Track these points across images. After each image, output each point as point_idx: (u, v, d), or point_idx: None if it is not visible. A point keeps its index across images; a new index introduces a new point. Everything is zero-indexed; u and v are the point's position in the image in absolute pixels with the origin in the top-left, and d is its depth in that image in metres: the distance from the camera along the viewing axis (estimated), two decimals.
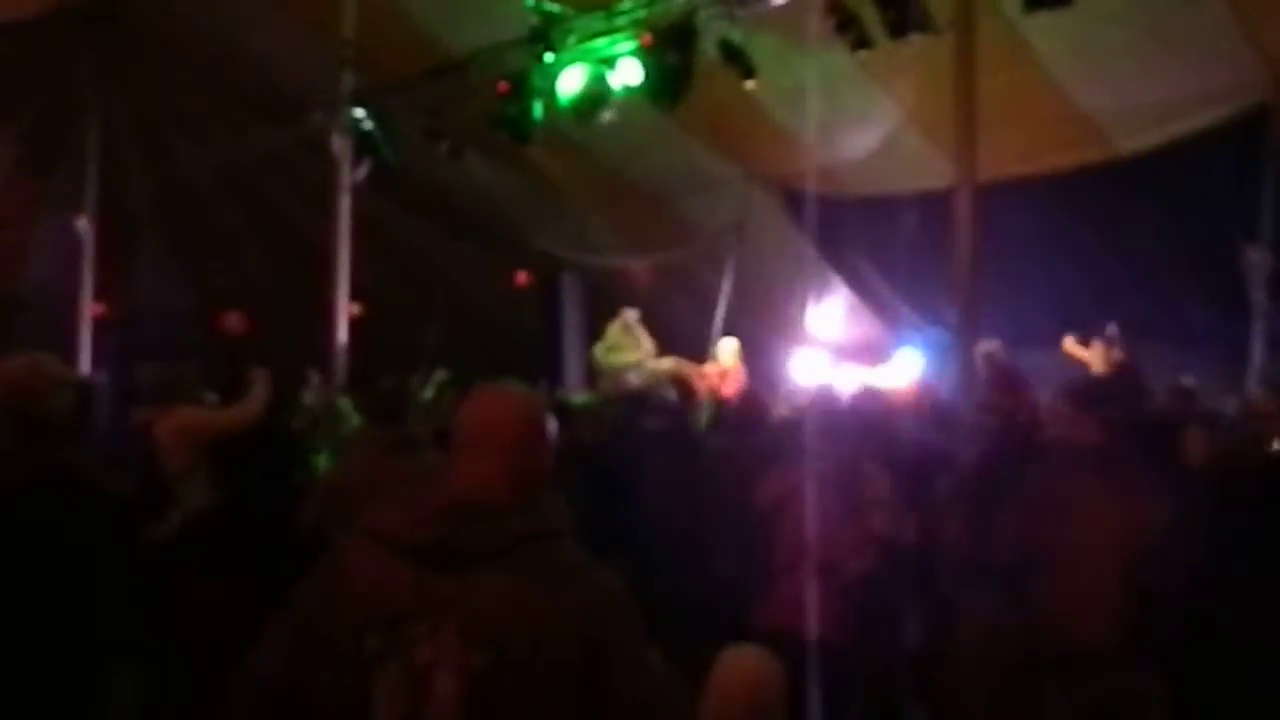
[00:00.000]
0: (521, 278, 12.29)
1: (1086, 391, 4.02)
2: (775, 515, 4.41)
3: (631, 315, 9.94)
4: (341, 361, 9.18)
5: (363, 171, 9.42)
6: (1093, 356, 8.02)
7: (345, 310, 9.32)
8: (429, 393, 8.00)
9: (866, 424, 4.94)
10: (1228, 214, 7.97)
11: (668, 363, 9.38)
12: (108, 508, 3.63)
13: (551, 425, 2.14)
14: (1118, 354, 7.74)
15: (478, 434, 2.06)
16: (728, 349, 9.36)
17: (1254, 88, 7.73)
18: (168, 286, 11.97)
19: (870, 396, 6.00)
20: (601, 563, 2.06)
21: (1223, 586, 3.32)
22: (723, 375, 8.97)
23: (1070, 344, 8.26)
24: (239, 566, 4.63)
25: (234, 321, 11.32)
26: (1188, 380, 7.19)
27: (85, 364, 10.92)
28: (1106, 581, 3.28)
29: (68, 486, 3.38)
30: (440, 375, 8.49)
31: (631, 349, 9.61)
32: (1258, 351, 8.02)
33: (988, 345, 6.75)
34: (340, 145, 9.29)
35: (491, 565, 1.93)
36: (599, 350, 10.04)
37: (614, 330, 9.92)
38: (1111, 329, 7.94)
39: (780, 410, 6.71)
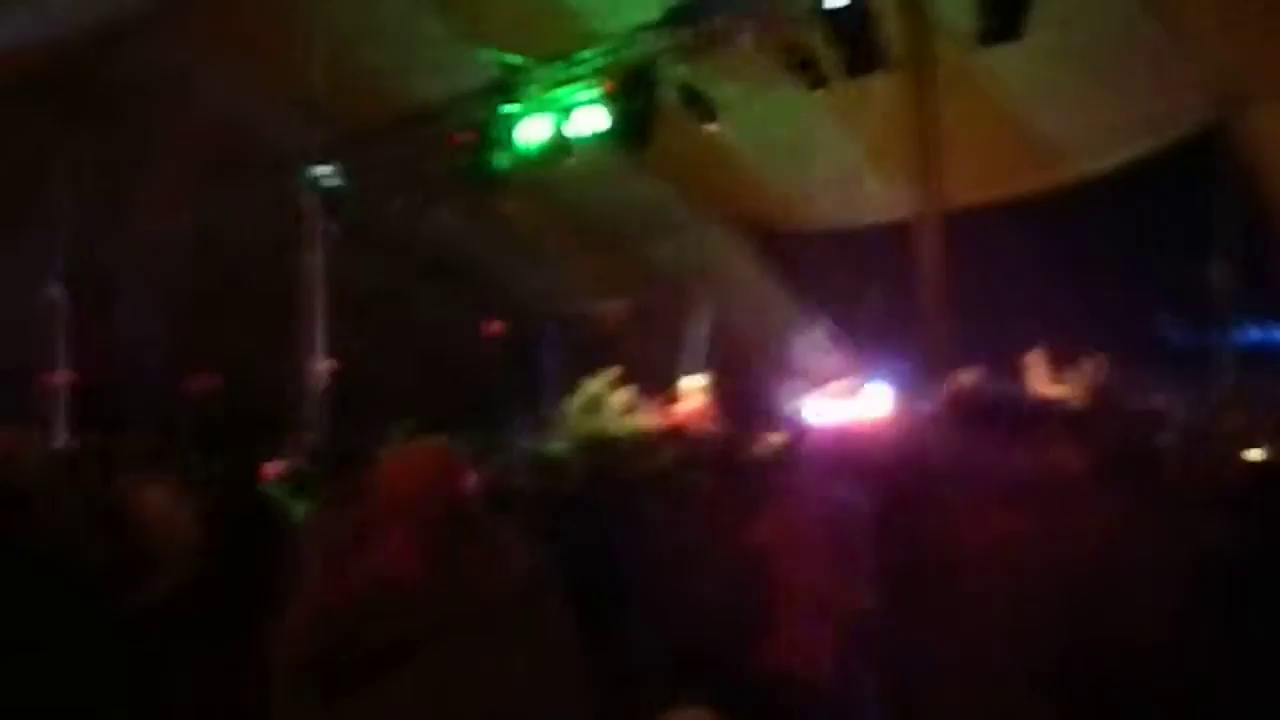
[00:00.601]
0: (496, 327, 12.30)
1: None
2: (776, 556, 4.37)
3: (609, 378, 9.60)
4: (316, 418, 9.14)
5: (333, 227, 9.44)
6: (1070, 385, 7.97)
7: (318, 366, 9.29)
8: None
9: (857, 460, 4.93)
10: (1188, 232, 8.09)
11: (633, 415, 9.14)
12: (79, 581, 3.59)
13: (469, 481, 1.99)
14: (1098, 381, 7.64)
15: (383, 504, 1.90)
16: (694, 385, 9.24)
17: (1205, 107, 7.88)
18: (142, 350, 11.90)
19: (855, 433, 6.01)
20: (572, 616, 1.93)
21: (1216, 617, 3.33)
22: (692, 414, 8.91)
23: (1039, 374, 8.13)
24: (217, 639, 4.57)
25: (208, 384, 11.26)
26: (1158, 400, 7.24)
27: (60, 432, 10.82)
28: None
29: (37, 561, 3.35)
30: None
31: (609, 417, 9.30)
32: (1225, 367, 8.10)
33: (966, 376, 6.76)
34: (309, 201, 9.31)
35: (401, 670, 1.68)
36: (574, 409, 9.74)
37: (591, 392, 9.57)
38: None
39: (758, 447, 6.70)
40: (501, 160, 8.59)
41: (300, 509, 6.79)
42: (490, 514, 2.11)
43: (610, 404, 9.25)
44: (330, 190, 9.32)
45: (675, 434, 7.18)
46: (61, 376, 11.13)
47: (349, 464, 4.98)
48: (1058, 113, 8.16)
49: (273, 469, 7.60)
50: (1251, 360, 8.26)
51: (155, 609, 4.94)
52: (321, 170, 9.27)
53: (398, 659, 1.67)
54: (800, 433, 6.27)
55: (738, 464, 5.98)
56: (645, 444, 7.59)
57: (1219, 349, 8.26)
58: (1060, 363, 7.80)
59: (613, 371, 9.45)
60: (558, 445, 8.83)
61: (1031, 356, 6.78)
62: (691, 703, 2.72)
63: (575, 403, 9.36)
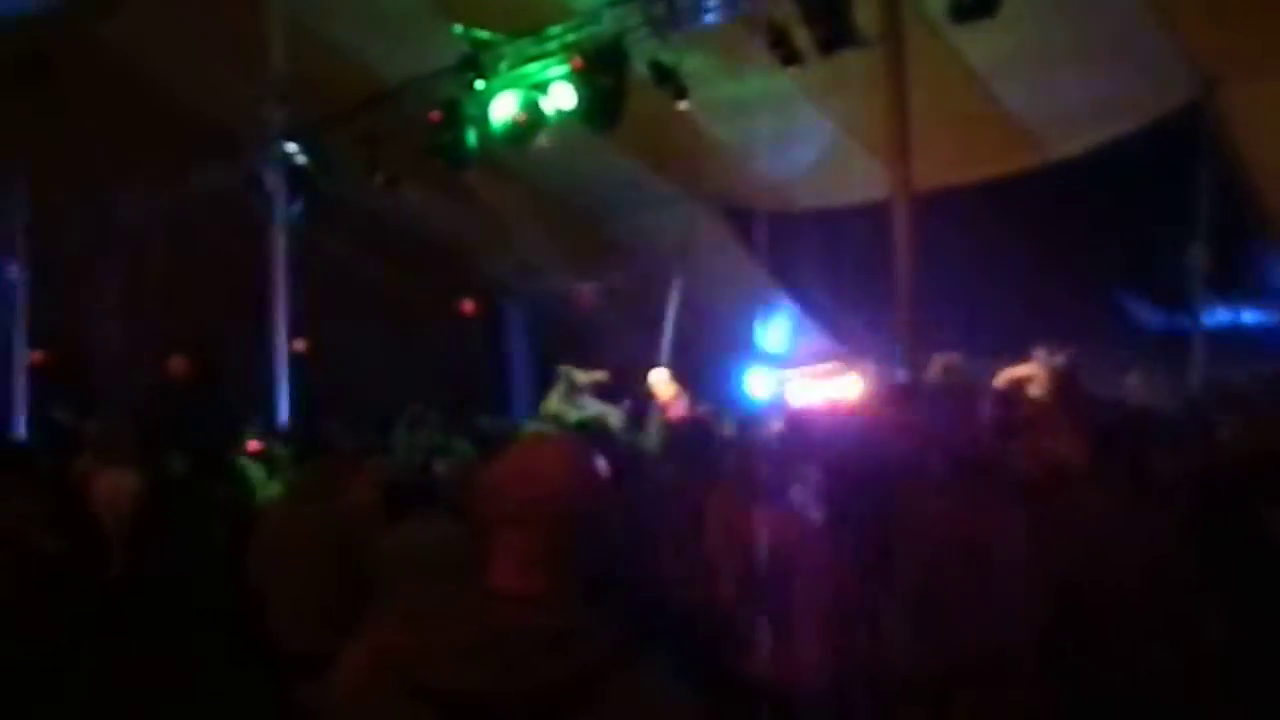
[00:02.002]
0: (467, 306, 12.20)
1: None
2: (779, 563, 4.25)
3: (578, 376, 9.28)
4: (284, 399, 9.03)
5: (300, 205, 9.30)
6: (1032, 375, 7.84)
7: (286, 347, 9.17)
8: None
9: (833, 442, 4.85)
10: (1164, 214, 8.05)
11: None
12: (35, 568, 3.52)
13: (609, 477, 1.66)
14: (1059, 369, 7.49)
15: (517, 509, 1.57)
16: (660, 379, 9.10)
17: (1183, 86, 7.81)
18: (107, 331, 11.74)
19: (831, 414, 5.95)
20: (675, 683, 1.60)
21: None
22: (664, 406, 8.80)
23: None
24: (159, 634, 4.48)
25: (178, 366, 11.11)
26: (1132, 380, 7.21)
27: (21, 413, 10.68)
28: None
29: None
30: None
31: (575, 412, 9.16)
32: (1199, 349, 8.08)
33: (946, 358, 6.69)
34: (275, 180, 9.16)
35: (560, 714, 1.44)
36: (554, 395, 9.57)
37: (556, 395, 9.38)
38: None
39: (726, 432, 6.62)
40: (471, 138, 8.45)
41: (271, 489, 6.71)
42: None
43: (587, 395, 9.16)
44: (296, 169, 9.16)
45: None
46: (24, 357, 10.97)
47: (318, 453, 4.88)
48: (1032, 92, 8.08)
49: (254, 445, 7.53)
50: (1223, 343, 8.25)
51: (107, 594, 4.86)
52: (287, 148, 9.10)
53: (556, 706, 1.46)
54: (780, 416, 6.22)
55: (711, 449, 5.91)
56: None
57: (1192, 331, 8.24)
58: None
59: (598, 375, 9.23)
60: (533, 427, 8.78)
61: (1038, 352, 6.70)
62: None
63: (557, 390, 9.25)
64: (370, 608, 3.69)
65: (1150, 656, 3.26)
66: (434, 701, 1.43)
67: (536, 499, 1.54)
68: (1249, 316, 9.09)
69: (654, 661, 1.54)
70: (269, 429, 8.84)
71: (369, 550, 4.07)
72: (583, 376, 9.09)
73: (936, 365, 6.40)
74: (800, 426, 5.44)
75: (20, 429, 10.59)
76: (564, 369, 9.16)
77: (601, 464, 1.63)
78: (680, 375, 9.09)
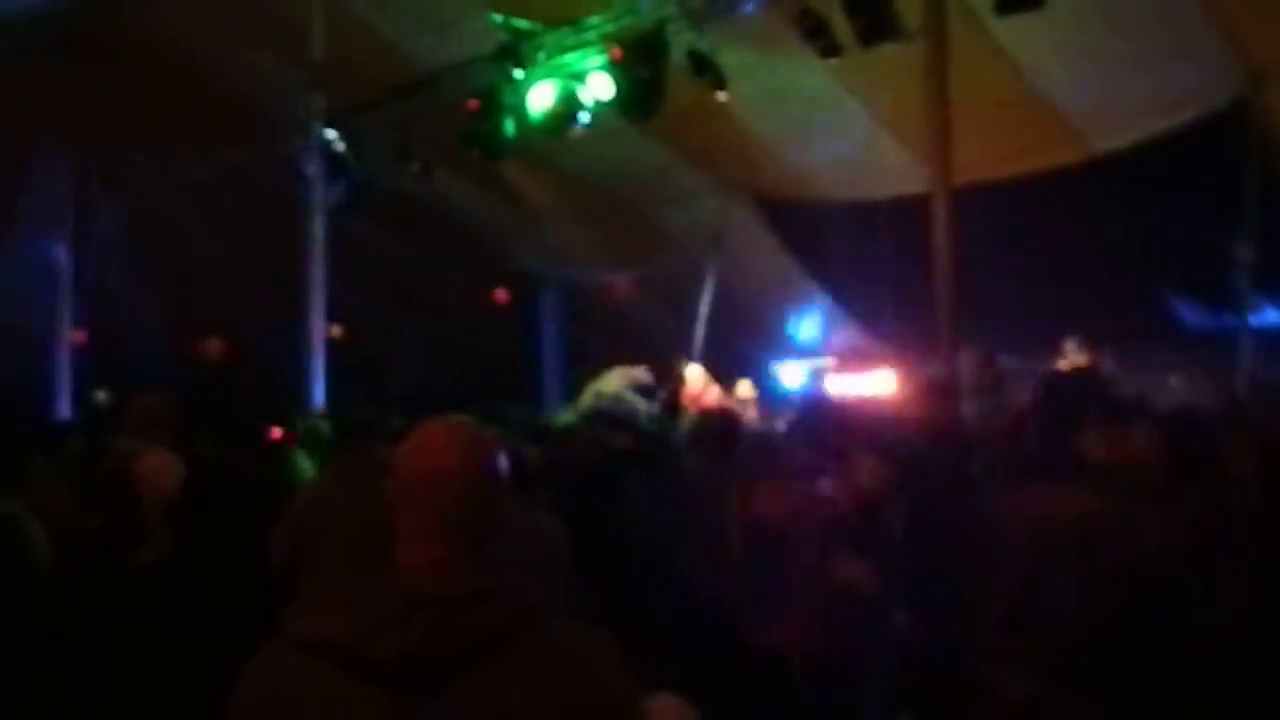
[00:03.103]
0: (500, 295, 12.22)
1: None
2: (785, 535, 4.25)
3: (637, 373, 9.27)
4: (320, 385, 9.08)
5: (336, 192, 9.34)
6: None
7: (322, 332, 9.22)
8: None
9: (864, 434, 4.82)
10: (1211, 211, 7.90)
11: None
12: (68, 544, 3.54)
13: (502, 465, 1.79)
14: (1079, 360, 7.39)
15: (418, 487, 1.70)
16: (695, 375, 9.09)
17: (1230, 84, 7.66)
18: (144, 313, 11.88)
19: (861, 406, 5.91)
20: (593, 625, 1.72)
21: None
22: (694, 398, 8.79)
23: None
24: (192, 621, 4.50)
25: (214, 348, 11.22)
26: (1175, 381, 7.10)
27: (65, 392, 10.83)
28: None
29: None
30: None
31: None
32: (1246, 348, 7.93)
33: (979, 354, 6.63)
34: (312, 166, 9.21)
35: (468, 677, 1.55)
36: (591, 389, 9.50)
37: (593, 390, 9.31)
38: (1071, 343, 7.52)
39: (754, 422, 6.61)
40: (509, 127, 8.45)
41: (309, 471, 6.75)
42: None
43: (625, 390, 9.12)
44: (334, 155, 9.20)
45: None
46: (66, 337, 11.12)
47: (368, 434, 4.87)
48: (1078, 87, 7.95)
49: (277, 432, 7.58)
50: (1271, 342, 8.09)
51: (143, 576, 4.90)
52: (326, 134, 9.15)
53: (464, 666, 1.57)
54: (808, 406, 6.19)
55: (738, 440, 5.89)
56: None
57: (1237, 330, 8.09)
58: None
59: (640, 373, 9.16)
60: (566, 416, 8.79)
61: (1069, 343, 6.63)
62: (680, 680, 2.63)
63: (594, 386, 9.23)
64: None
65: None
66: (365, 673, 1.54)
67: (427, 477, 1.69)
68: None
69: (566, 616, 1.67)
70: (304, 413, 8.92)
71: None
72: (622, 379, 9.10)
73: (969, 360, 6.35)
74: (833, 417, 5.42)
75: (63, 408, 10.74)
76: (616, 371, 9.17)
77: (492, 444, 1.77)
78: (712, 367, 9.08)
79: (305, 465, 6.73)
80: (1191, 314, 9.11)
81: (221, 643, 4.39)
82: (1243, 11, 7.08)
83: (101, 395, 10.43)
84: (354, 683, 1.54)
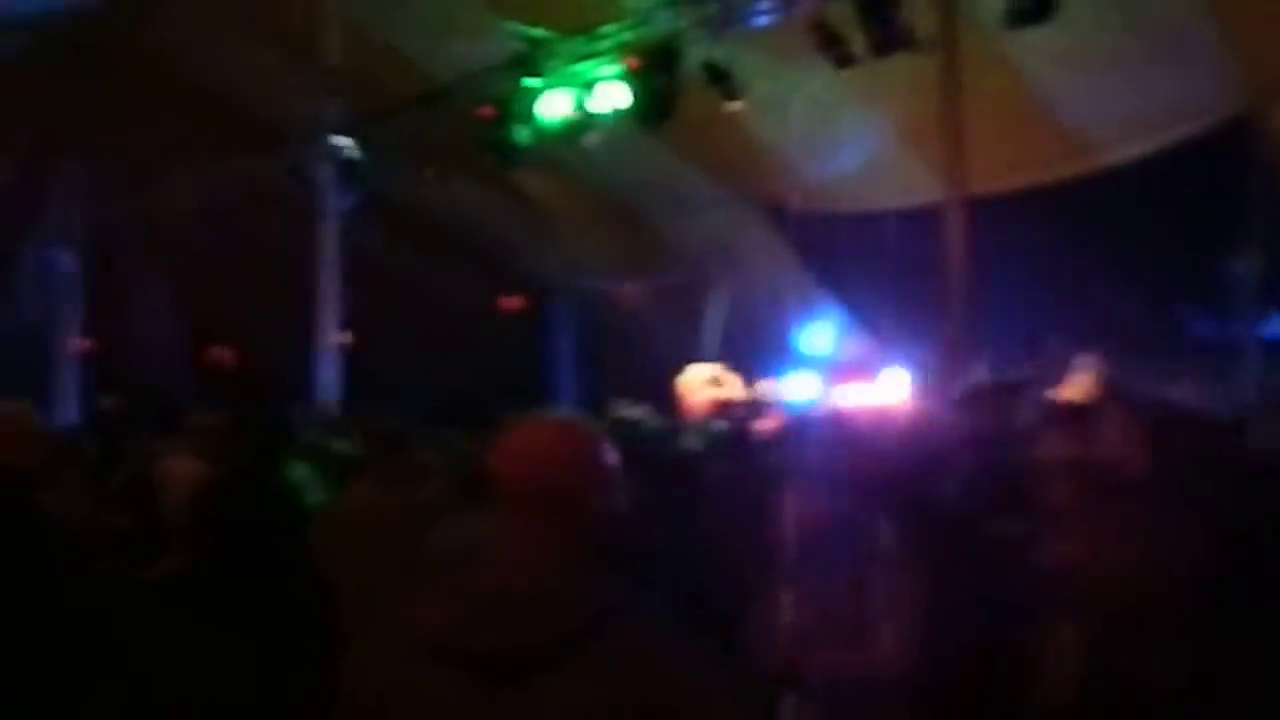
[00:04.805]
0: (513, 302, 12.26)
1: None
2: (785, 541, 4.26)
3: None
4: (331, 392, 9.12)
5: (349, 199, 9.40)
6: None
7: (334, 340, 9.27)
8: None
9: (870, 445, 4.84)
10: (1215, 223, 7.97)
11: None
12: (71, 556, 3.54)
13: (612, 458, 1.76)
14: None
15: (513, 486, 1.71)
16: (692, 376, 9.03)
17: (1237, 97, 7.74)
18: (156, 320, 11.92)
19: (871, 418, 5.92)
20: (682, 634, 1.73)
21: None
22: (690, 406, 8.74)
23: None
24: (217, 624, 4.52)
25: (223, 355, 11.27)
26: (1180, 390, 7.12)
27: (71, 399, 10.86)
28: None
29: (30, 535, 3.31)
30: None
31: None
32: (1252, 360, 7.99)
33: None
34: (325, 174, 9.27)
35: (555, 671, 1.60)
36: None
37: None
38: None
39: (765, 427, 6.62)
40: (522, 135, 8.52)
41: (313, 484, 6.76)
42: None
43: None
44: (346, 163, 9.26)
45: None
46: (77, 344, 11.16)
47: (400, 445, 4.89)
48: (1087, 99, 8.02)
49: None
50: (1276, 353, 8.16)
51: (166, 583, 4.92)
52: (337, 142, 9.21)
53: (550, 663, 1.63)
54: (816, 418, 6.21)
55: (751, 449, 5.93)
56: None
57: (1243, 341, 8.15)
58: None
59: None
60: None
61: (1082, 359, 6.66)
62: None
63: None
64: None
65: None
66: (461, 664, 1.60)
67: (534, 477, 1.69)
68: None
69: (651, 614, 1.70)
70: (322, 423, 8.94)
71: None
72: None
73: (977, 374, 6.39)
74: (850, 427, 5.44)
75: (71, 415, 10.77)
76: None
77: (605, 445, 1.76)
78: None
79: (301, 472, 6.74)
80: (1198, 324, 9.17)
81: (244, 645, 4.44)
82: (1251, 26, 7.16)
83: (109, 401, 10.46)
84: (451, 674, 1.60)
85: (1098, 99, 8.01)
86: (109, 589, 4.03)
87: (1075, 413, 5.16)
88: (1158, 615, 3.27)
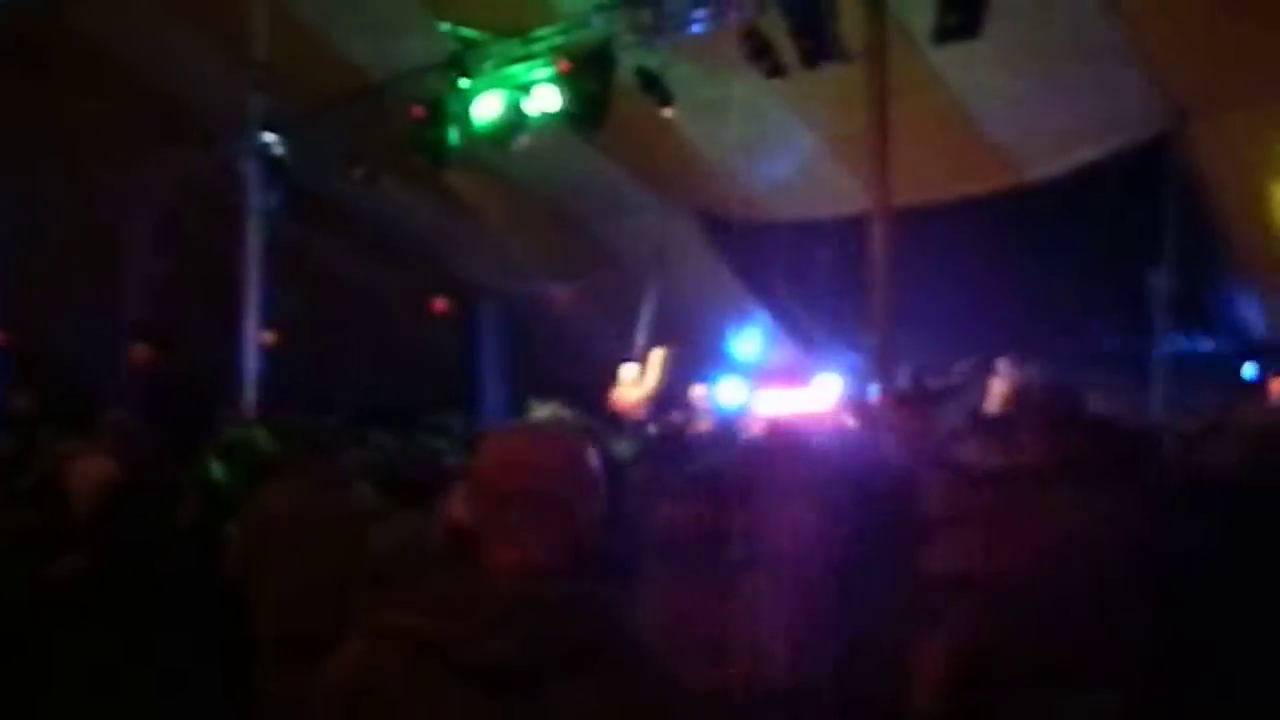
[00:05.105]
0: (440, 304, 12.18)
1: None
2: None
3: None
4: (252, 391, 8.96)
5: (275, 197, 9.26)
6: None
7: (256, 338, 9.11)
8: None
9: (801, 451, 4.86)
10: (1131, 239, 8.19)
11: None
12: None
13: (596, 465, 1.75)
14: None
15: (523, 491, 1.68)
16: (624, 376, 9.10)
17: (1155, 117, 7.97)
18: (80, 315, 11.61)
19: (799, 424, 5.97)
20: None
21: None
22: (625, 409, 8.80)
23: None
24: (116, 623, 4.44)
25: (144, 353, 11.01)
26: (1093, 400, 7.30)
27: None
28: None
29: None
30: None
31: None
32: (1160, 374, 8.23)
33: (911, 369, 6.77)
34: (251, 170, 9.12)
35: (568, 679, 1.57)
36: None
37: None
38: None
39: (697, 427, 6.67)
40: (453, 136, 8.46)
41: (231, 481, 6.63)
42: None
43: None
44: (274, 159, 9.12)
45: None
46: None
47: (322, 445, 4.83)
48: (1012, 115, 8.21)
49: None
50: (1183, 369, 8.40)
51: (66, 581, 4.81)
52: (266, 138, 9.07)
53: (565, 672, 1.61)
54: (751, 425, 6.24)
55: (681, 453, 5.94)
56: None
57: (1153, 356, 8.38)
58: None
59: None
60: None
61: (1001, 363, 6.80)
62: None
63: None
64: (365, 595, 3.68)
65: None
66: (461, 676, 1.54)
67: (532, 485, 1.66)
68: (1207, 345, 9.28)
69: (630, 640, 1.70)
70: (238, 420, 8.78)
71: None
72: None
73: (902, 376, 6.50)
74: (782, 434, 5.47)
75: None
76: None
77: (592, 452, 1.75)
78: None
79: (218, 470, 6.61)
80: (1112, 339, 9.42)
81: (149, 641, 4.35)
82: (1166, 51, 7.38)
83: (24, 399, 10.17)
84: (451, 682, 1.55)
85: (1022, 116, 8.18)
86: (9, 586, 3.94)
87: (993, 423, 5.27)
88: (1067, 617, 3.35)
